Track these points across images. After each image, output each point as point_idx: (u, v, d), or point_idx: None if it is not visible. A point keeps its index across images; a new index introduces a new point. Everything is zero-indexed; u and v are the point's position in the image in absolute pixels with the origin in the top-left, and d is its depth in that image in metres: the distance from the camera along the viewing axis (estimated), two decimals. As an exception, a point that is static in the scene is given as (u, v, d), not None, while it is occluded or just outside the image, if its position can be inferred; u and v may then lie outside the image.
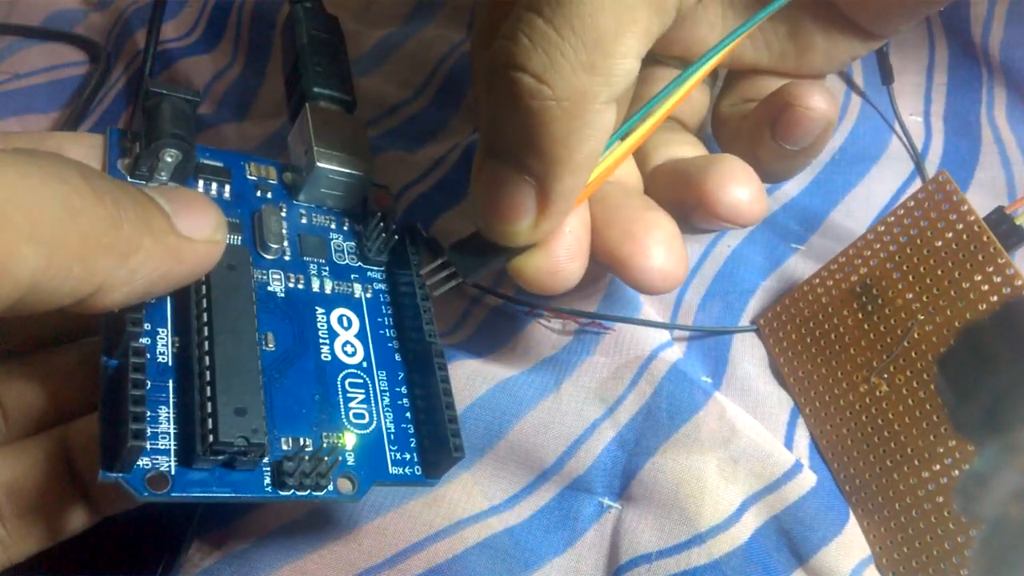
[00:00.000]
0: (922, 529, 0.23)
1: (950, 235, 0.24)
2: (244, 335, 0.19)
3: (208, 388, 0.18)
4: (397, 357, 0.22)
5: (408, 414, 0.21)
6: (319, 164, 0.23)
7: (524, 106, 0.18)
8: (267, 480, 0.18)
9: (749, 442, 0.25)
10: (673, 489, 0.25)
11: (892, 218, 0.26)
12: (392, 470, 0.20)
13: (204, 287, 0.19)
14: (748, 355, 0.28)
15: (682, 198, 0.24)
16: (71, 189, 0.15)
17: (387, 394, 0.21)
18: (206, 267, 0.19)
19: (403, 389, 0.22)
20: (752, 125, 0.26)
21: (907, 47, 0.37)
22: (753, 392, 0.27)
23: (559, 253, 0.22)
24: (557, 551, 0.25)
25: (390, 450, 0.20)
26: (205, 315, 0.19)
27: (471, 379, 0.27)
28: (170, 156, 0.21)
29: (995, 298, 0.23)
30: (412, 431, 0.21)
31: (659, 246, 0.22)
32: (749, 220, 0.23)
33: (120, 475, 0.17)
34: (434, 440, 0.21)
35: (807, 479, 0.25)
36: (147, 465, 0.17)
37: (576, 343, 0.28)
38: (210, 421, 0.18)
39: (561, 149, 0.19)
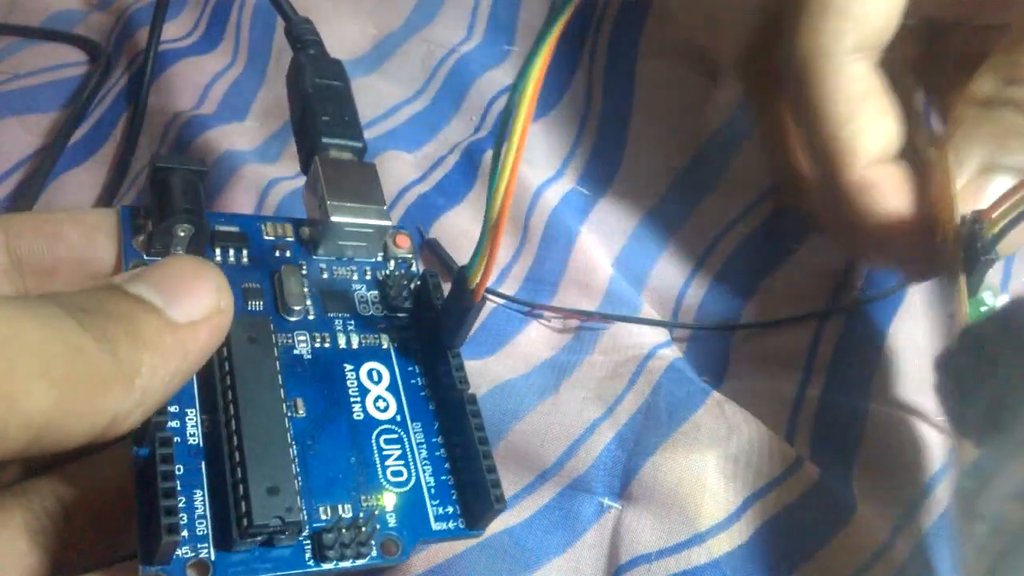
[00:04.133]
0: None
1: None
2: (271, 410, 0.19)
3: (239, 469, 0.18)
4: (431, 406, 0.22)
5: (446, 464, 0.21)
6: (333, 219, 0.22)
7: None
8: (308, 554, 0.18)
9: (749, 440, 0.25)
10: (673, 488, 0.25)
11: None
12: (435, 526, 0.20)
13: (227, 363, 0.19)
14: (748, 353, 0.28)
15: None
16: (67, 326, 0.15)
17: (424, 447, 0.21)
18: (218, 341, 0.18)
19: (439, 439, 0.21)
20: None
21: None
22: (753, 390, 0.27)
23: None
24: (557, 551, 0.25)
25: (431, 505, 0.20)
26: (230, 393, 0.19)
27: (471, 380, 0.27)
28: (183, 231, 0.21)
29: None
30: (452, 482, 0.21)
31: None
32: None
33: (160, 568, 0.17)
34: (474, 489, 0.20)
35: (809, 474, 0.25)
36: (187, 554, 0.17)
37: (576, 342, 0.28)
38: (243, 504, 0.17)
39: None
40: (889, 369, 0.28)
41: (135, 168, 0.37)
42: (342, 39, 0.39)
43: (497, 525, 0.25)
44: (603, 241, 0.32)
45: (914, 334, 0.28)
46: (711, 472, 0.25)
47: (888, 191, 0.23)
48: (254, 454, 0.18)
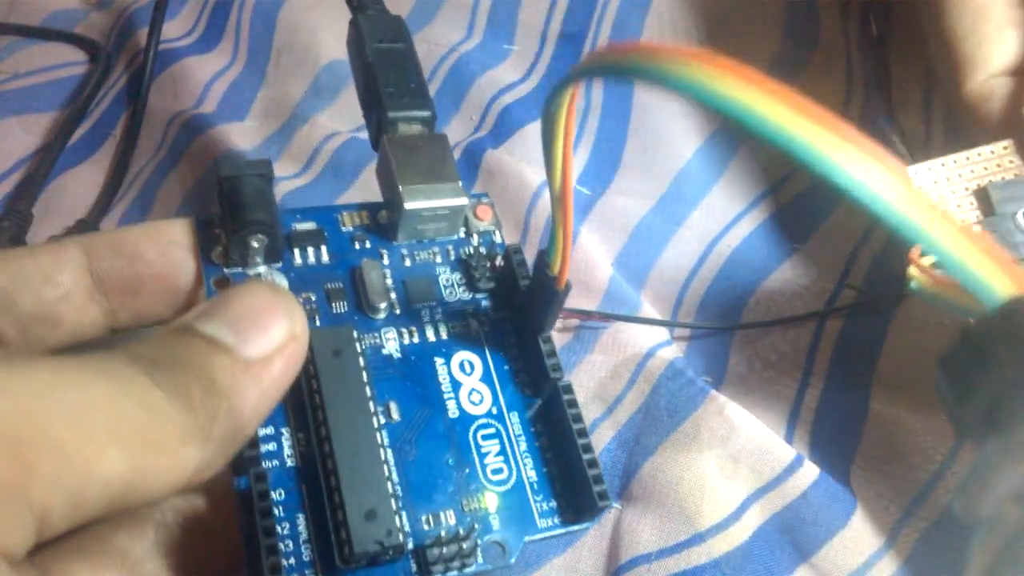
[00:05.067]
0: None
1: None
2: (362, 428, 0.18)
3: (336, 495, 0.18)
4: (526, 393, 0.21)
5: (547, 454, 0.20)
6: (407, 206, 0.21)
7: None
8: (413, 568, 0.18)
9: (749, 439, 0.25)
10: (673, 488, 0.25)
11: None
12: (540, 523, 0.19)
13: (314, 381, 0.19)
14: (748, 353, 0.28)
15: None
16: (138, 384, 0.15)
17: (522, 439, 0.20)
18: (295, 370, 0.17)
19: (536, 428, 0.21)
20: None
21: (907, 47, 0.37)
22: (753, 390, 0.27)
23: None
24: (557, 551, 0.25)
25: (535, 501, 0.20)
26: (320, 413, 0.18)
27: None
28: (256, 241, 0.20)
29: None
30: (551, 474, 0.20)
31: None
32: None
33: None
34: (574, 484, 0.20)
35: (809, 473, 0.25)
36: None
37: (575, 342, 0.28)
38: (343, 531, 0.17)
39: None
40: (889, 369, 0.28)
41: (135, 168, 0.37)
42: (341, 39, 0.39)
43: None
44: (603, 241, 0.32)
45: (914, 334, 0.28)
46: (711, 472, 0.25)
47: (1004, 104, 0.23)
48: (348, 478, 0.18)
